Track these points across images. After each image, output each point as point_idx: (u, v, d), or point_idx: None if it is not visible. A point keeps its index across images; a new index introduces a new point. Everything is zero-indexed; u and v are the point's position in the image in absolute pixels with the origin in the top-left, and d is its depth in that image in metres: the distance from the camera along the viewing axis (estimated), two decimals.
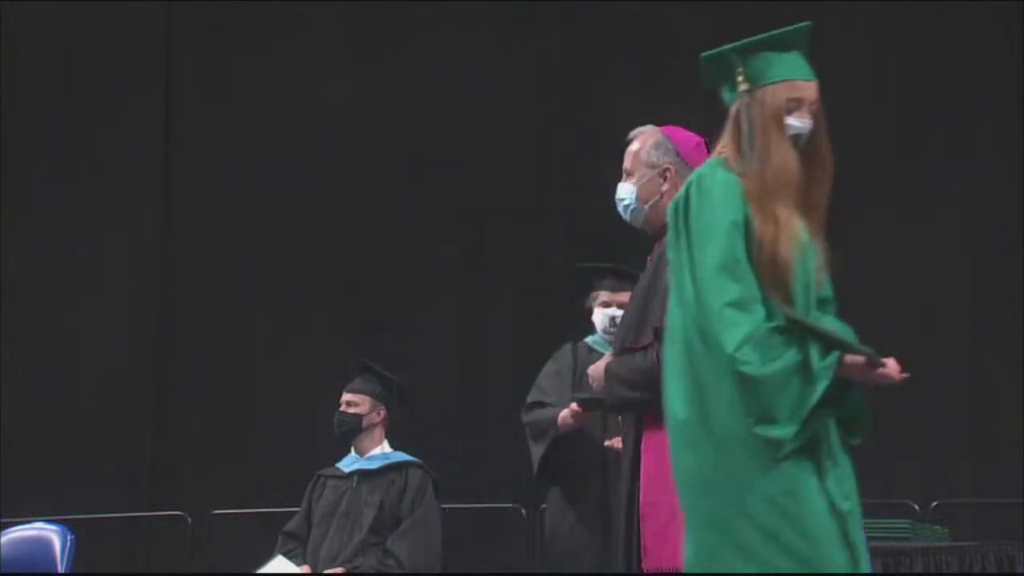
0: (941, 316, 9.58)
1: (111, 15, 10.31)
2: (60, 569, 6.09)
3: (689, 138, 4.58)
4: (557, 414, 5.68)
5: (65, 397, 10.12)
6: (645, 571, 4.26)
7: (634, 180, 4.55)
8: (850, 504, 3.60)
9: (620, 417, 4.59)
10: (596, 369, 4.50)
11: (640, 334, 4.35)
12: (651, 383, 4.26)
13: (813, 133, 3.79)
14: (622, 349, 4.41)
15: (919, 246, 9.71)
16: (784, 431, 3.45)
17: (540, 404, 5.78)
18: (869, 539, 5.91)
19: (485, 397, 9.84)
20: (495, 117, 10.23)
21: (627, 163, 4.59)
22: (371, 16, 10.42)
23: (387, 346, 9.10)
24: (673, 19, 10.11)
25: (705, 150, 4.57)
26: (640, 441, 4.34)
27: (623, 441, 4.48)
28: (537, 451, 5.72)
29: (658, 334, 4.26)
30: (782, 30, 3.81)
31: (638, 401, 4.32)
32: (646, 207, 4.52)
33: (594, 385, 4.49)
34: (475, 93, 10.27)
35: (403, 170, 10.30)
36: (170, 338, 10.32)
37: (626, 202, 4.55)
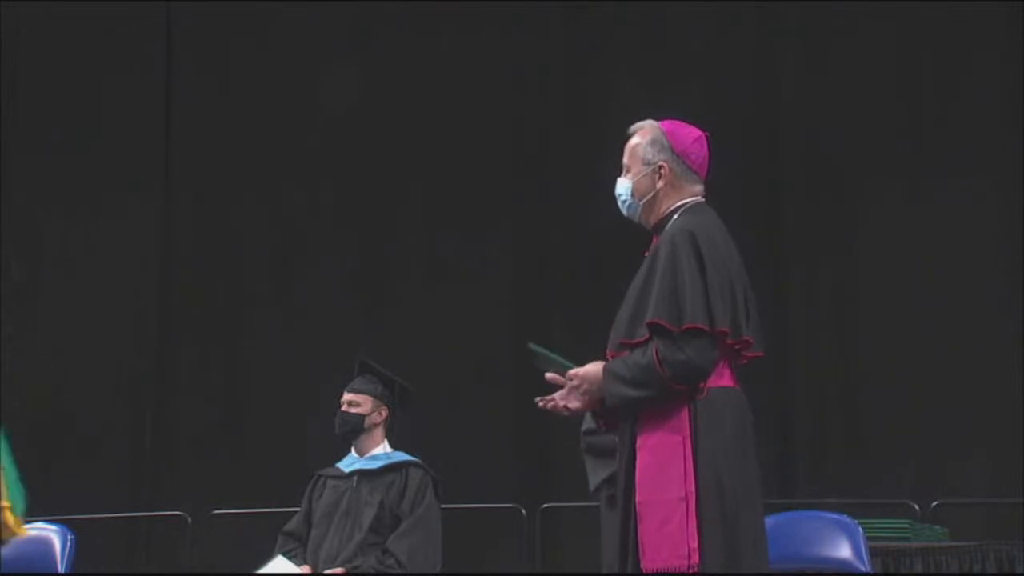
0: (942, 317, 9.58)
1: (111, 15, 10.32)
2: (60, 569, 6.09)
3: (688, 133, 4.58)
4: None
5: (65, 397, 10.12)
6: (643, 571, 4.25)
7: (630, 176, 4.57)
8: None
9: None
10: (588, 372, 4.47)
11: (635, 330, 4.34)
12: (650, 380, 4.26)
13: None
14: (619, 346, 4.40)
15: (922, 246, 9.72)
16: None
17: None
18: (869, 539, 5.96)
19: (485, 397, 9.84)
20: (495, 117, 10.23)
21: (625, 158, 4.61)
22: (371, 16, 10.42)
23: (387, 346, 9.09)
24: (672, 19, 10.12)
25: (704, 144, 4.58)
26: (635, 439, 4.33)
27: (619, 440, 4.44)
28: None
29: (652, 328, 4.26)
30: None
31: (640, 399, 4.30)
32: (641, 203, 4.54)
33: (584, 387, 4.46)
34: (475, 93, 10.28)
35: (403, 170, 10.30)
36: (170, 338, 10.32)
37: (623, 198, 4.58)
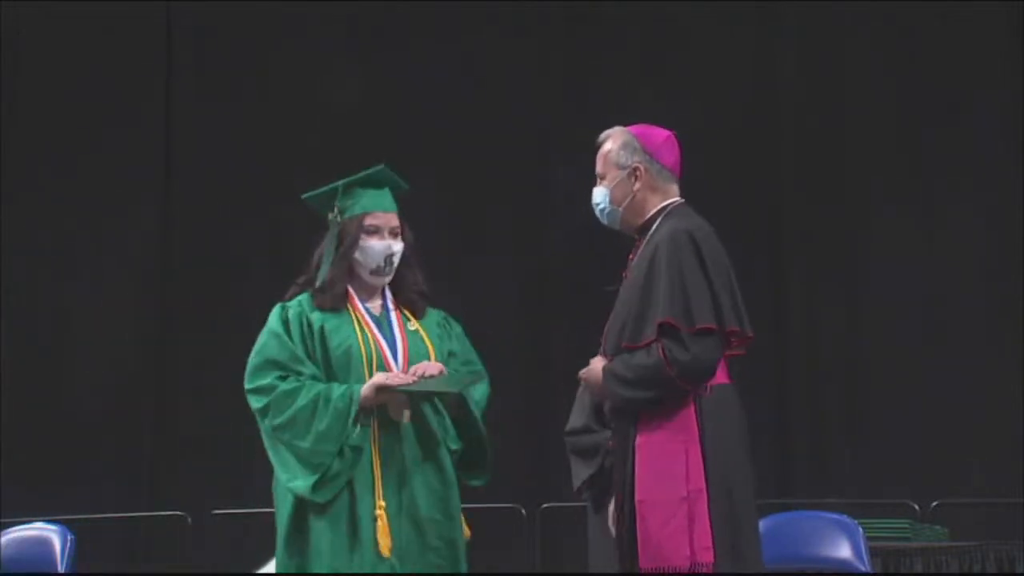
0: (943, 317, 9.58)
1: (111, 15, 10.31)
2: (60, 569, 6.08)
3: (657, 134, 4.59)
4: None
5: (65, 397, 10.11)
6: (642, 570, 4.23)
7: (606, 183, 4.57)
8: None
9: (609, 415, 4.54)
10: (592, 372, 4.48)
11: (639, 333, 4.32)
12: (654, 381, 4.24)
13: None
14: (618, 349, 4.40)
15: (922, 245, 9.72)
16: None
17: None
18: (869, 539, 5.96)
19: None
20: (495, 117, 10.23)
21: (599, 167, 4.61)
22: (371, 16, 10.42)
23: None
24: (672, 18, 10.11)
25: (675, 143, 4.58)
26: (633, 439, 4.32)
27: (616, 440, 4.44)
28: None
29: (662, 329, 4.25)
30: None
31: (642, 400, 4.29)
32: (620, 208, 4.54)
33: (591, 390, 4.50)
34: (475, 93, 10.27)
35: (403, 171, 10.27)
36: (170, 338, 10.31)
37: (601, 206, 4.58)
